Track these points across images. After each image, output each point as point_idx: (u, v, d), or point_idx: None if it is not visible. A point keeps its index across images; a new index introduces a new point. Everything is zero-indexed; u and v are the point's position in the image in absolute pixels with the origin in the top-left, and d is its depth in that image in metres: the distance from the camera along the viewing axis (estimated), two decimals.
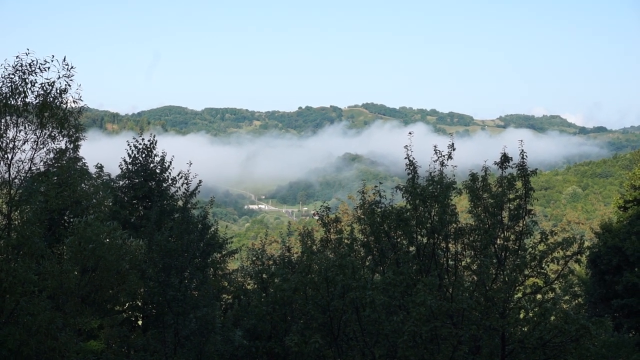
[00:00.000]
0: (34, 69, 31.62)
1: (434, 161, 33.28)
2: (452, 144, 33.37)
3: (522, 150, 32.26)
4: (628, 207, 57.96)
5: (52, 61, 32.12)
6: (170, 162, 52.00)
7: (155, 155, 51.69)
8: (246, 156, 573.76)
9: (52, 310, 30.68)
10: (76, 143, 39.81)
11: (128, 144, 51.59)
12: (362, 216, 37.24)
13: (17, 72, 31.36)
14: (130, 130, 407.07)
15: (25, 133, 32.35)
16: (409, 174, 33.82)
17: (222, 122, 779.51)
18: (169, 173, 51.68)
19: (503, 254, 31.68)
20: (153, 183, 51.00)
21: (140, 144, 51.51)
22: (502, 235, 32.05)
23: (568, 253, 31.49)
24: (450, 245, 33.04)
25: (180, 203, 48.24)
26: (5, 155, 31.71)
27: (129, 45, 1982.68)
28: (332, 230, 40.38)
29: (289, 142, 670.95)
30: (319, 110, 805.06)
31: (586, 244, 40.70)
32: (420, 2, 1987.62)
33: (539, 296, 32.09)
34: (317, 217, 42.01)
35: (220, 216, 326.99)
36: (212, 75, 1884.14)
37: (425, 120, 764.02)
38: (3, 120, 31.51)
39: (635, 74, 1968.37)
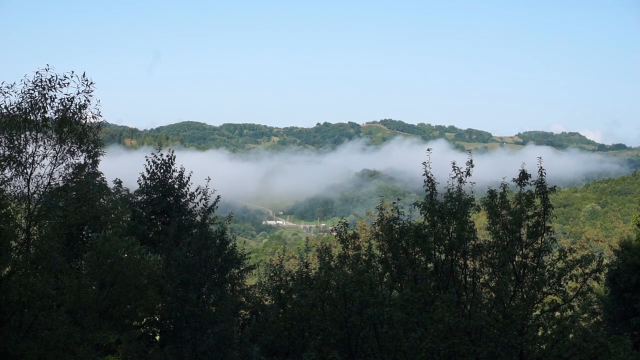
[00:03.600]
0: (53, 84, 31.81)
1: (453, 178, 33.21)
2: (471, 160, 33.28)
3: (541, 167, 32.19)
4: None
5: (71, 77, 32.31)
6: (189, 178, 52.08)
7: (173, 171, 51.79)
8: (264, 172, 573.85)
9: (70, 325, 30.75)
10: (95, 158, 40.13)
11: (146, 160, 51.70)
12: (380, 232, 37.20)
13: (37, 87, 31.56)
14: (148, 146, 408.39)
15: (45, 148, 32.51)
16: (427, 190, 33.74)
17: (240, 137, 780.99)
18: (188, 188, 51.75)
19: (521, 271, 31.56)
20: (171, 198, 51.06)
21: (158, 159, 51.62)
22: (520, 252, 31.94)
23: (587, 270, 31.38)
24: (468, 262, 32.93)
25: (198, 218, 48.38)
26: (25, 170, 31.86)
27: (147, 61, 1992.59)
28: (350, 246, 40.32)
29: (307, 158, 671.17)
30: (337, 127, 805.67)
31: (605, 261, 40.57)
32: (438, 19, 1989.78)
33: (557, 314, 31.95)
34: (335, 233, 41.96)
35: (238, 232, 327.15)
36: (230, 91, 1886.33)
37: (443, 136, 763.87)
38: (23, 136, 31.70)
39: None
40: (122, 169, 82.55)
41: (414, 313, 29.96)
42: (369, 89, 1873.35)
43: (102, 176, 46.10)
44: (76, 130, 32.91)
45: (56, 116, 32.35)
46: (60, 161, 33.31)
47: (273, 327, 37.11)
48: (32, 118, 31.70)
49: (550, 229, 32.44)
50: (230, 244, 46.15)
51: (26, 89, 31.47)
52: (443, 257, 33.33)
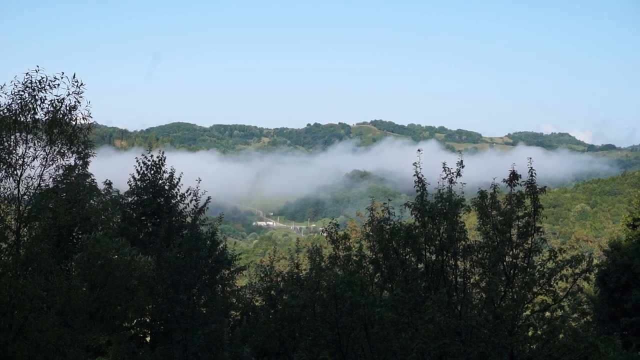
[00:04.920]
0: (43, 85, 31.66)
1: (443, 178, 33.28)
2: (461, 161, 33.37)
3: (531, 167, 32.25)
4: (637, 225, 57.69)
5: (61, 78, 32.15)
6: (179, 179, 51.88)
7: (164, 172, 51.59)
8: (255, 173, 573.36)
9: (60, 327, 30.66)
10: (85, 159, 39.89)
11: (137, 161, 51.48)
12: (371, 233, 37.20)
13: (27, 88, 31.40)
14: (139, 147, 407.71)
15: (35, 150, 32.36)
16: (417, 191, 33.79)
17: (230, 138, 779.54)
18: (178, 189, 51.57)
19: (512, 271, 31.62)
20: (162, 199, 50.87)
21: (149, 160, 51.43)
22: (510, 252, 32.00)
23: (577, 271, 31.44)
24: (459, 262, 32.99)
25: (189, 219, 48.26)
26: (15, 172, 31.71)
27: (137, 62, 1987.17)
28: (340, 247, 40.28)
29: (297, 158, 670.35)
30: (328, 127, 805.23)
31: (595, 261, 40.64)
32: (427, 20, 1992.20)
33: (547, 314, 32.00)
34: (325, 234, 41.88)
35: (229, 233, 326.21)
36: (220, 92, 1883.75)
37: (434, 137, 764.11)
38: (12, 137, 31.55)
39: None
40: (113, 170, 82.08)
41: (404, 313, 29.97)
42: (359, 90, 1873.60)
43: (92, 177, 45.85)
44: (66, 131, 32.76)
45: (46, 117, 32.19)
46: (51, 162, 33.15)
47: (264, 328, 37.10)
48: (22, 119, 31.56)
49: (541, 230, 32.50)
50: (221, 245, 46.12)
51: (16, 90, 31.30)
52: (434, 257, 33.38)
